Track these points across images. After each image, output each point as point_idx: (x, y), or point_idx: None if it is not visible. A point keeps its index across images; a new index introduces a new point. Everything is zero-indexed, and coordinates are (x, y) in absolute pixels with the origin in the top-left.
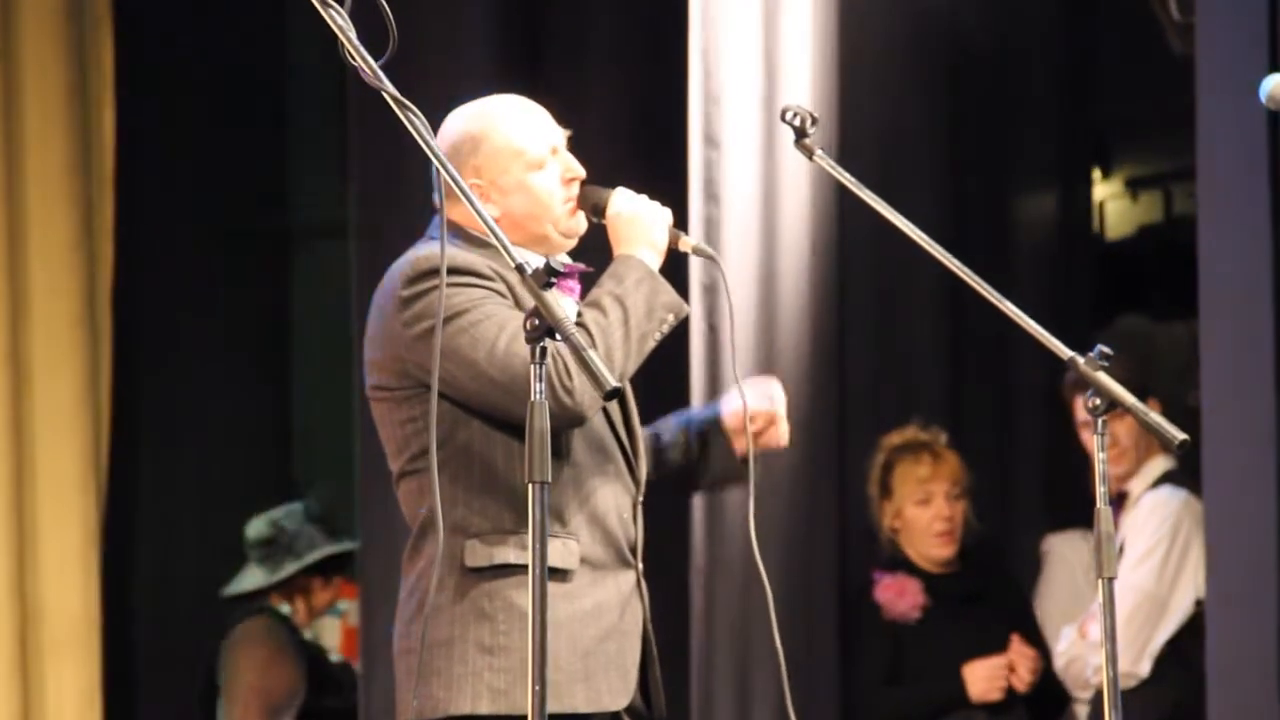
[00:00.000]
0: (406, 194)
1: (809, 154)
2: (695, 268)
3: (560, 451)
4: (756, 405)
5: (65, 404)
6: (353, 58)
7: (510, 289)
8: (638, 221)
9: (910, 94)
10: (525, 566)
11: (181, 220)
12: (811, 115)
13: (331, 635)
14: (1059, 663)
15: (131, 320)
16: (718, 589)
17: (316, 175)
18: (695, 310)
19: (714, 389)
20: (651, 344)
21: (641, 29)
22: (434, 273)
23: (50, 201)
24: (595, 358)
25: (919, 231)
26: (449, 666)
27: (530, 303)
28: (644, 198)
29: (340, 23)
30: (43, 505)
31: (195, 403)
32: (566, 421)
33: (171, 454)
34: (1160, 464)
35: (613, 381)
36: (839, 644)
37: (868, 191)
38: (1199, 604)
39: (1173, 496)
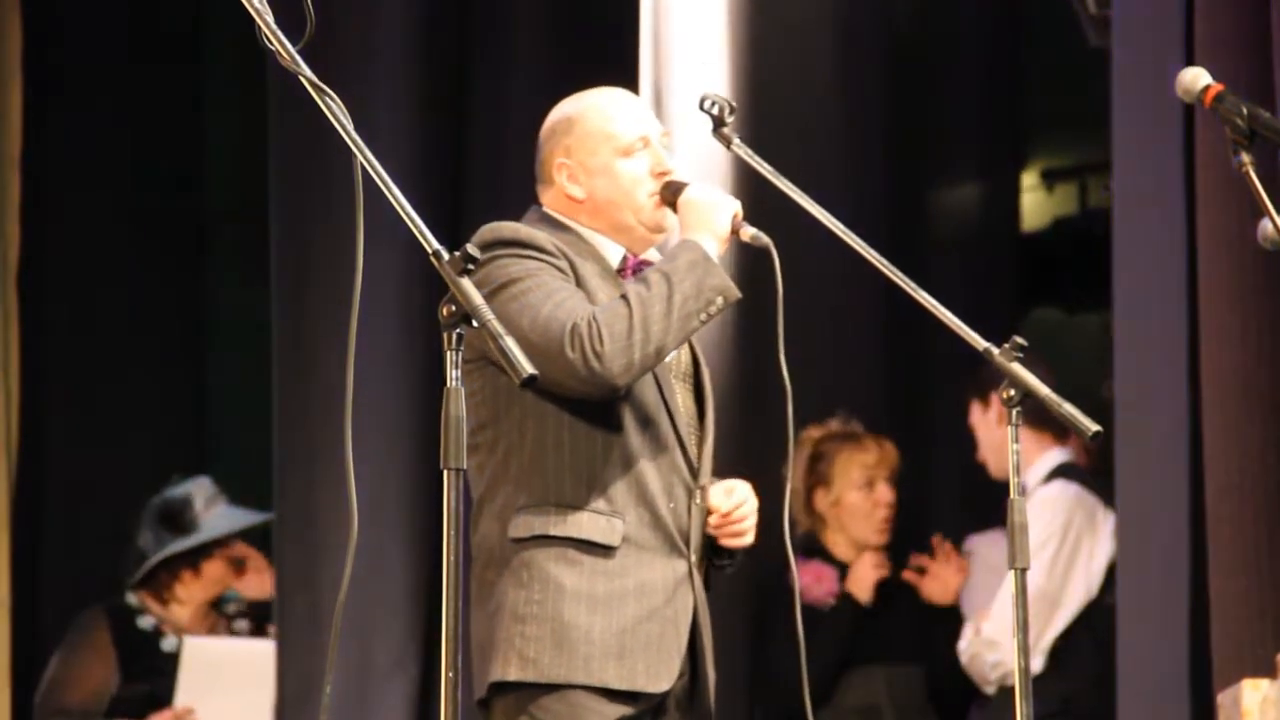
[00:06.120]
0: (324, 178)
1: (727, 143)
2: None
3: (611, 427)
4: (716, 502)
5: None
6: (269, 41)
7: (572, 266)
8: (704, 208)
9: (833, 86)
10: (563, 539)
11: (92, 202)
12: (730, 104)
13: None
14: (963, 659)
15: (40, 303)
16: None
17: (232, 156)
18: None
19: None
20: (697, 323)
21: (569, 32)
22: (500, 243)
23: None
24: (510, 345)
25: (836, 222)
26: (492, 637)
27: (589, 280)
28: (717, 188)
29: (257, 5)
30: None
31: (106, 385)
32: (594, 386)
33: (82, 436)
34: (1052, 458)
35: (528, 370)
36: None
37: (784, 180)
38: (1098, 598)
39: (1064, 492)
